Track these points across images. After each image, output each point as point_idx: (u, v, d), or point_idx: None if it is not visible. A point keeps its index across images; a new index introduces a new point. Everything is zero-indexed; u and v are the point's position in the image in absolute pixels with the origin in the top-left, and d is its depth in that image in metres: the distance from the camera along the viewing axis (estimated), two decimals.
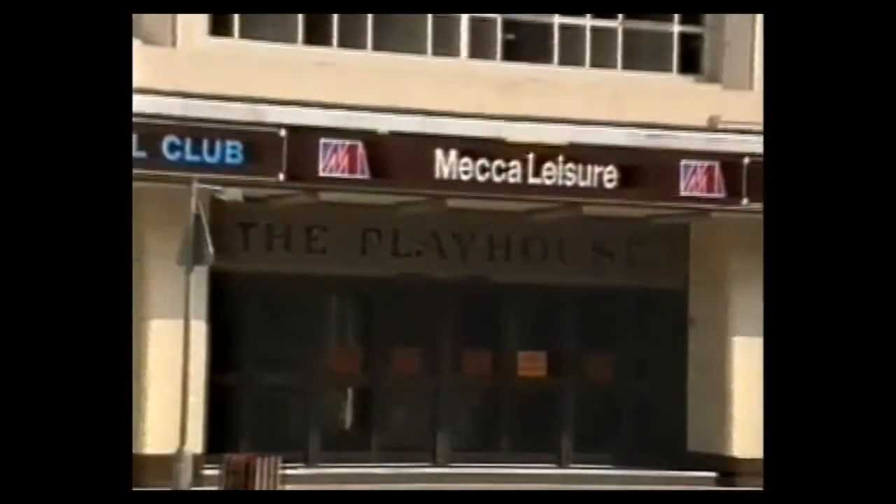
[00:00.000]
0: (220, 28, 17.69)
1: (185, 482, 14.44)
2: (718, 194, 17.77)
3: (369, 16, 18.49)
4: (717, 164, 17.77)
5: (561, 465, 18.64)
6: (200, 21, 17.56)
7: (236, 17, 18.03)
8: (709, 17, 19.75)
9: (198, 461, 14.69)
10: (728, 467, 18.56)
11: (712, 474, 18.39)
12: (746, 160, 17.71)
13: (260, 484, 14.51)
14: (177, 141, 15.95)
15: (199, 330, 15.63)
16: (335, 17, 18.57)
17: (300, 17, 18.32)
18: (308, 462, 17.05)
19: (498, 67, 18.41)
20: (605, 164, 17.40)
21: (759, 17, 19.37)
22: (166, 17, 17.36)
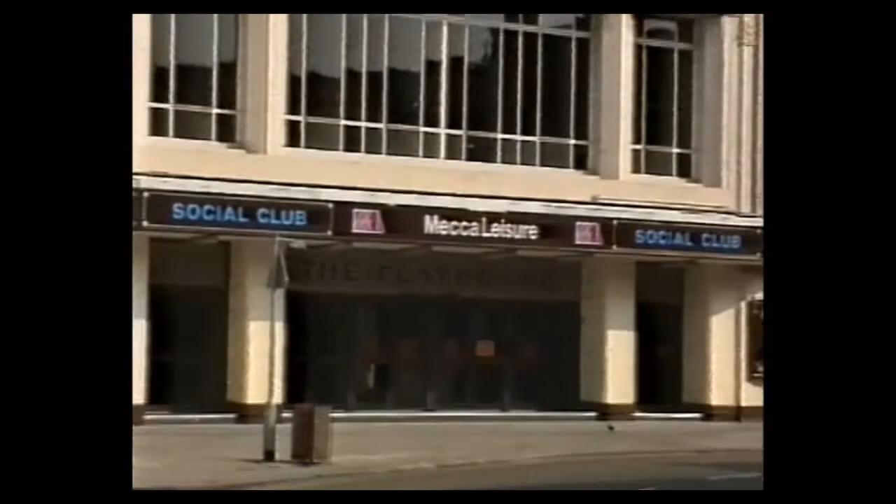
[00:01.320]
0: (293, 141, 19.28)
1: (272, 421, 15.05)
2: (598, 243, 19.91)
3: (384, 132, 20.03)
4: (597, 225, 19.76)
5: (503, 411, 20.51)
6: (280, 136, 19.06)
7: (303, 132, 19.51)
8: (591, 134, 21.33)
9: (279, 408, 15.34)
10: (603, 410, 20.67)
11: (594, 414, 20.53)
12: (615, 222, 19.94)
13: (317, 423, 14.80)
14: (266, 211, 17.73)
15: (280, 328, 16.58)
16: (363, 132, 19.98)
17: (341, 132, 19.76)
18: (347, 409, 18.15)
19: (463, 164, 20.38)
20: (530, 225, 19.36)
21: (623, 129, 21.02)
22: (260, 133, 18.90)
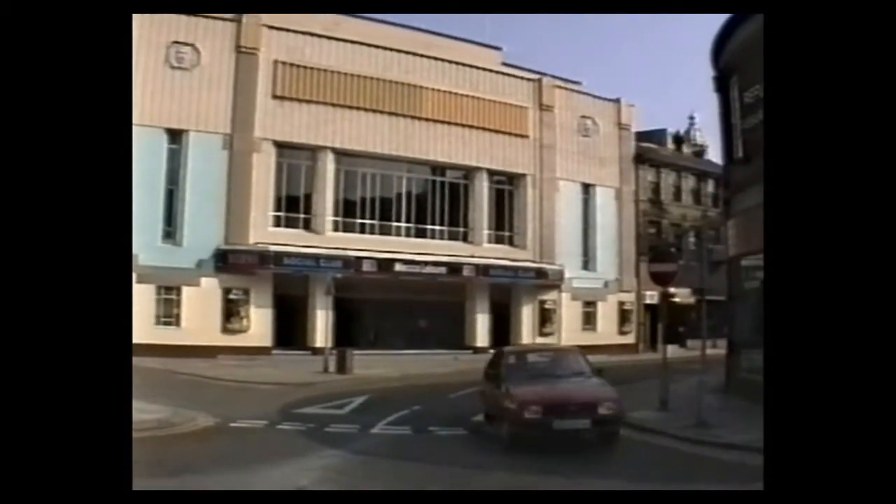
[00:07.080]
0: (336, 229, 22.41)
1: (327, 354, 17.88)
2: (473, 275, 23.83)
3: (378, 225, 22.78)
4: (473, 267, 23.71)
5: (430, 349, 22.99)
6: (330, 227, 22.12)
7: (341, 225, 22.01)
8: (470, 225, 24.45)
9: (330, 349, 18.16)
10: (474, 349, 23.67)
11: (471, 351, 23.42)
12: (481, 266, 23.46)
13: (347, 356, 17.47)
14: (324, 262, 21.07)
15: (330, 314, 19.43)
16: (367, 224, 22.56)
17: (357, 225, 22.29)
18: (360, 349, 19.62)
19: (412, 240, 23.72)
20: (443, 267, 23.12)
21: (485, 223, 23.81)
22: (321, 225, 21.50)
